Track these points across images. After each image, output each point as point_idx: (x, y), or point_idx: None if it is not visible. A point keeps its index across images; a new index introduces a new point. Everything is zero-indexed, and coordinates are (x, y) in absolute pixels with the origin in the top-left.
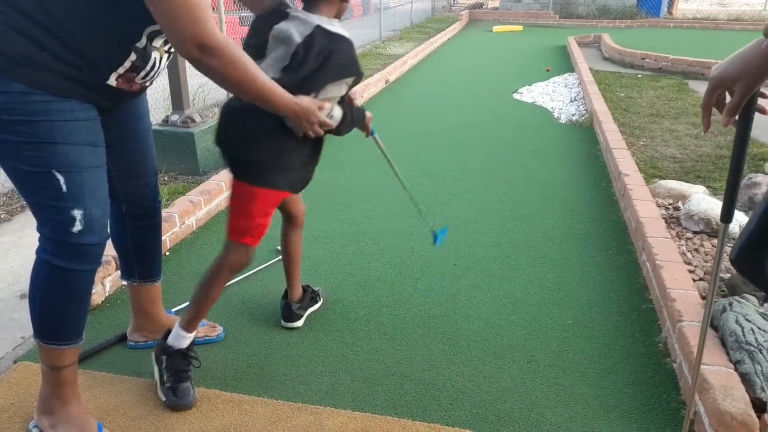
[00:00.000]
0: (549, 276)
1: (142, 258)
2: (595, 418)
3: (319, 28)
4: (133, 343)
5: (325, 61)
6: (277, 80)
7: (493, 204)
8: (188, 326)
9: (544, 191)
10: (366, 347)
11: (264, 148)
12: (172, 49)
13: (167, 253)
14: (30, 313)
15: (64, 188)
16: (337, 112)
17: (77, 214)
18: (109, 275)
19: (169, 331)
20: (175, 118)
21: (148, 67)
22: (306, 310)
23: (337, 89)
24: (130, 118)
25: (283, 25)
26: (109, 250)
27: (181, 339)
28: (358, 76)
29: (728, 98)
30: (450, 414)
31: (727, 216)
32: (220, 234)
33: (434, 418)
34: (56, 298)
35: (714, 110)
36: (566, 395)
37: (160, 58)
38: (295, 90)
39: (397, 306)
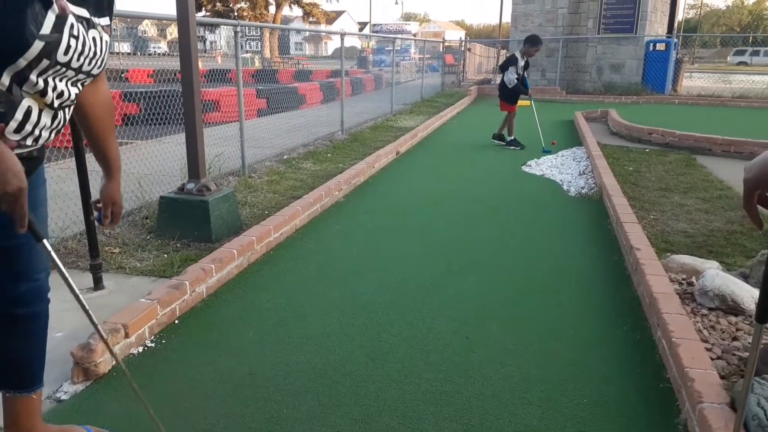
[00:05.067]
0: (563, 352)
1: (13, 365)
2: None
3: (513, 55)
4: None
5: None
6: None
7: (505, 277)
8: None
9: (556, 264)
10: (376, 425)
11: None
12: (62, 105)
13: (176, 322)
14: None
15: None
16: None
17: None
18: (118, 343)
19: None
20: (190, 186)
21: (18, 117)
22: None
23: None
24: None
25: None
26: (118, 318)
27: None
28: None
29: None
30: None
31: (762, 316)
32: (230, 301)
33: None
34: None
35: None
36: None
37: (39, 112)
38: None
39: (408, 381)
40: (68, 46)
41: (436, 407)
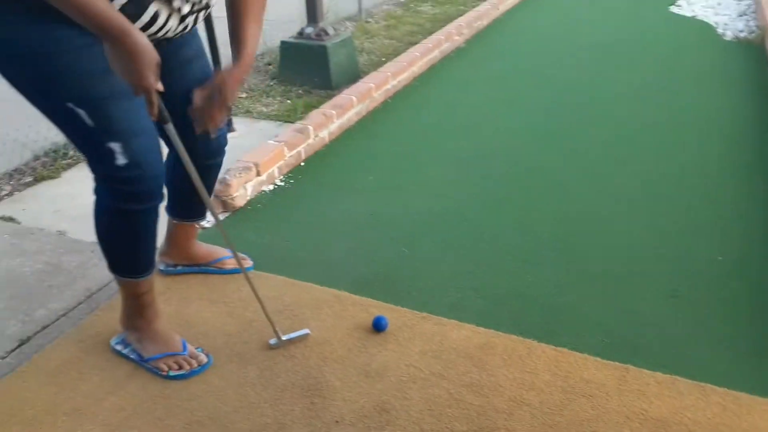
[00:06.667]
0: (701, 209)
1: (188, 199)
2: (740, 361)
3: None
4: (163, 267)
5: None
6: None
7: (641, 130)
8: None
9: (701, 117)
10: (493, 266)
11: None
12: (193, 11)
13: (302, 164)
14: (101, 250)
15: (89, 122)
16: None
17: (115, 147)
18: (250, 180)
19: None
20: (309, 30)
21: (145, 20)
22: None
23: None
24: (172, 63)
25: None
26: (250, 157)
27: None
28: None
29: None
30: (578, 340)
31: None
32: (351, 147)
33: (561, 343)
34: (121, 239)
35: None
36: (710, 335)
37: (168, 16)
38: None
39: (527, 230)
40: None
41: (556, 254)
